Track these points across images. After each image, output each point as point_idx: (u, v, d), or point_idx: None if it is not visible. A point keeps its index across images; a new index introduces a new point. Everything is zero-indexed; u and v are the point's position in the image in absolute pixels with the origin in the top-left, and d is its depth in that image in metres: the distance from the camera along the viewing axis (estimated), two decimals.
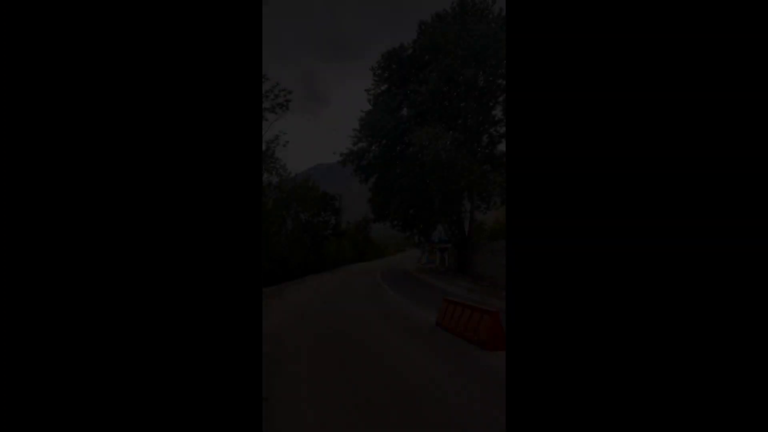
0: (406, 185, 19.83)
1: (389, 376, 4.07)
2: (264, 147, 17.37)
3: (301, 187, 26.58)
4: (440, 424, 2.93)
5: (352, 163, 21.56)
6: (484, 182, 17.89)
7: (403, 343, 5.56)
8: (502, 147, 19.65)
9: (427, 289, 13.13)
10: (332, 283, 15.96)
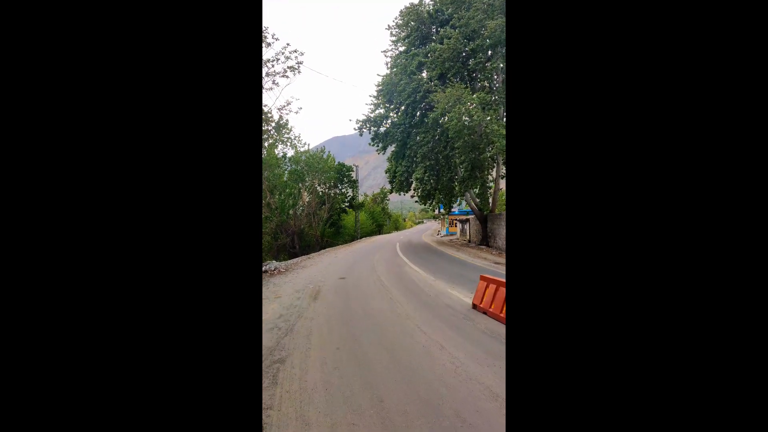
0: (427, 153, 18.34)
1: (427, 386, 2.96)
2: (277, 116, 16.22)
3: (316, 158, 25.43)
4: None
5: (368, 131, 20.08)
6: None
7: (436, 333, 4.44)
8: None
9: (451, 263, 11.99)
10: (350, 257, 14.98)
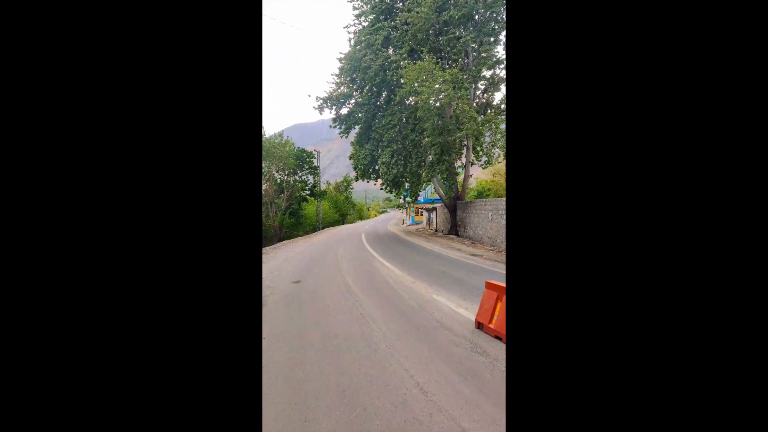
0: (394, 137, 16.42)
1: None
2: None
3: (273, 143, 22.63)
4: None
5: (330, 110, 17.74)
6: (484, 132, 14.82)
7: (442, 390, 2.62)
8: (502, 91, 16.34)
9: (424, 256, 10.29)
10: (310, 250, 12.83)
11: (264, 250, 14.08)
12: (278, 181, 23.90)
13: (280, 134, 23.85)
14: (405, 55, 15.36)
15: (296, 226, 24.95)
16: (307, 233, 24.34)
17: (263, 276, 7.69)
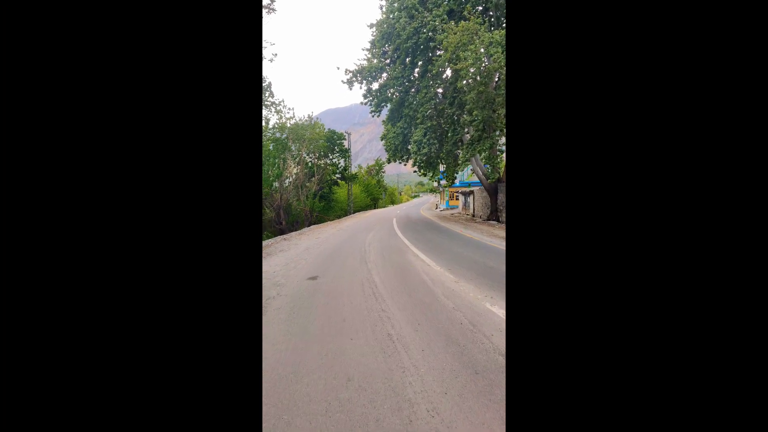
0: (429, 113, 14.63)
1: None
2: None
3: (302, 126, 21.52)
4: None
5: (360, 85, 16.17)
6: None
7: None
8: None
9: (465, 246, 8.68)
10: (336, 238, 11.60)
11: (288, 236, 13.06)
12: (309, 164, 22.94)
13: (309, 116, 22.72)
14: (444, 16, 13.34)
15: (327, 210, 24.02)
16: (337, 217, 23.36)
17: (275, 270, 6.49)
